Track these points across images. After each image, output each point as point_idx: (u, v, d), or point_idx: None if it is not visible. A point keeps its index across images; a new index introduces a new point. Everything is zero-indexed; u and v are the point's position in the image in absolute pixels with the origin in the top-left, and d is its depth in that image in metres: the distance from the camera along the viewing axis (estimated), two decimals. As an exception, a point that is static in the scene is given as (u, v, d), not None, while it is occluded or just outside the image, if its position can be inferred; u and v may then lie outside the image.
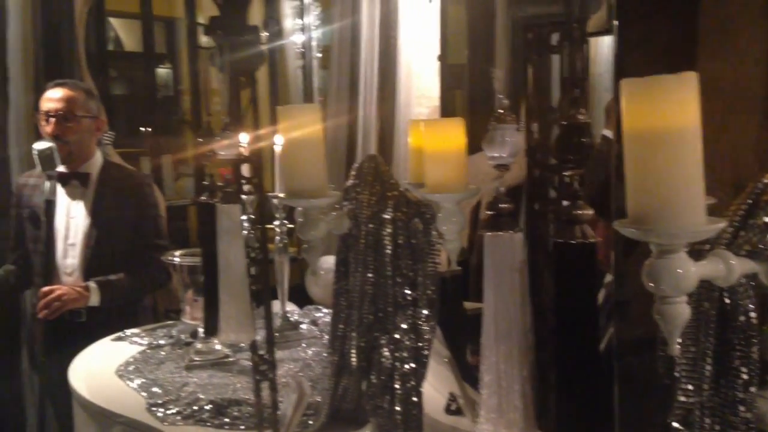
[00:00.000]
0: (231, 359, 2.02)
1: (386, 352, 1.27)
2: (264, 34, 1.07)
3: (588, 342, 0.79)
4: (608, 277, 1.55)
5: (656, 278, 0.73)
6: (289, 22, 4.21)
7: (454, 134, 1.20)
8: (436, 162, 1.21)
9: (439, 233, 1.25)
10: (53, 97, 2.47)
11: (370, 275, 1.29)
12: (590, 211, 0.85)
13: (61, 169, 2.45)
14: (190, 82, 3.89)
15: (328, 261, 2.72)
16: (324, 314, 2.44)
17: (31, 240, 2.52)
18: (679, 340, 0.75)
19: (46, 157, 2.27)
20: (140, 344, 2.21)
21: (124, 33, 5.71)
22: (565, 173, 0.87)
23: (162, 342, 2.21)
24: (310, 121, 1.19)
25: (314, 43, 4.29)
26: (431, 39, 4.07)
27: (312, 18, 4.09)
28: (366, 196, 1.30)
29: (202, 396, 1.72)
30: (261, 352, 1.18)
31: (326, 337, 2.20)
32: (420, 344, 1.27)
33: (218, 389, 1.79)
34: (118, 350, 2.17)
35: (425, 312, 1.26)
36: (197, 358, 2.00)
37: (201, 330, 2.04)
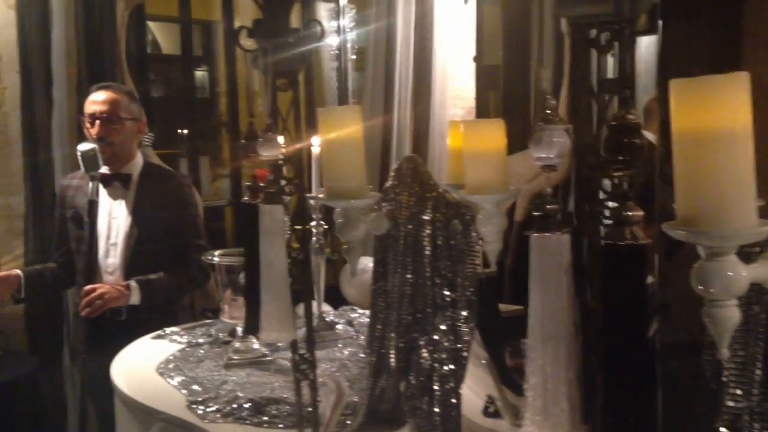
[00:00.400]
0: (268, 358, 2.04)
1: (425, 353, 1.27)
2: (305, 36, 1.08)
3: (637, 345, 0.78)
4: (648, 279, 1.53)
5: (706, 281, 0.72)
6: (324, 24, 4.23)
7: (495, 135, 1.20)
8: (476, 163, 1.20)
9: (479, 234, 1.24)
10: (97, 100, 2.52)
11: (408, 276, 1.29)
12: (640, 213, 0.84)
13: (103, 170, 2.51)
14: (227, 85, 3.93)
15: (363, 262, 2.72)
16: (359, 315, 2.45)
17: (74, 240, 2.57)
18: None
19: (89, 158, 2.32)
20: (179, 342, 2.24)
21: (162, 36, 5.81)
22: (614, 174, 0.87)
23: (201, 340, 2.24)
24: (351, 122, 1.20)
25: (349, 45, 4.30)
26: (466, 40, 4.07)
27: (347, 20, 4.11)
28: (405, 197, 1.30)
29: (240, 394, 1.74)
30: (301, 352, 1.19)
31: (362, 337, 2.22)
32: (459, 346, 1.26)
33: (256, 388, 1.81)
34: (158, 348, 2.20)
35: (464, 313, 1.26)
36: (236, 357, 2.02)
37: (239, 329, 2.07)
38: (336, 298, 2.57)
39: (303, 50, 1.10)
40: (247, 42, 1.10)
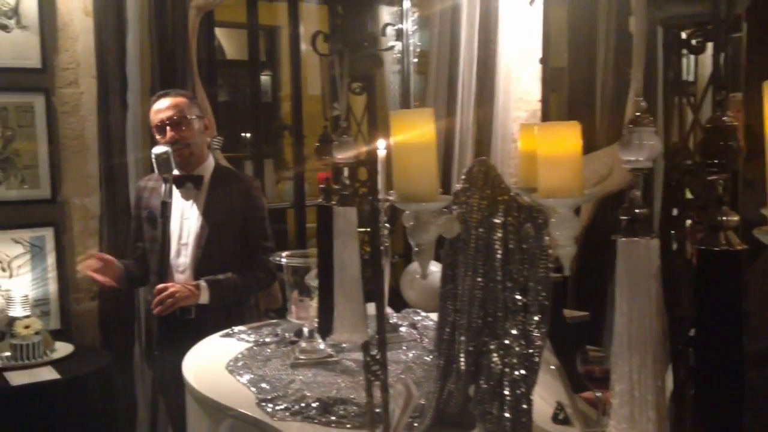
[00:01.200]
0: (334, 359, 2.06)
1: (495, 358, 1.27)
2: (381, 40, 1.09)
3: (730, 355, 0.76)
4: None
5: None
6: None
7: (570, 138, 1.18)
8: (551, 166, 1.19)
9: (552, 238, 1.23)
10: (162, 107, 2.61)
11: (479, 279, 1.28)
12: (736, 218, 0.82)
13: (176, 172, 2.59)
14: (292, 89, 3.99)
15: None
16: (422, 317, 2.46)
17: (148, 240, 2.66)
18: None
19: (163, 161, 2.39)
20: (247, 341, 2.28)
21: (226, 42, 5.95)
22: (710, 177, 0.84)
23: (268, 340, 2.28)
24: (424, 125, 1.20)
25: (411, 48, 4.30)
26: (531, 42, 4.02)
27: (410, 23, 4.12)
28: (476, 200, 1.30)
29: (308, 393, 1.77)
30: (372, 353, 1.19)
31: (426, 340, 2.22)
32: (530, 351, 1.25)
33: (323, 387, 1.83)
34: (226, 346, 2.25)
35: (536, 318, 1.25)
36: (302, 357, 2.05)
37: (305, 329, 2.10)
38: (396, 301, 2.57)
39: (378, 54, 1.11)
40: (321, 46, 1.12)
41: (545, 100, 3.69)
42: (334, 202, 1.14)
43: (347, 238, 1.11)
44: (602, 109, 4.10)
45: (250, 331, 2.38)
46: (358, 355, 2.12)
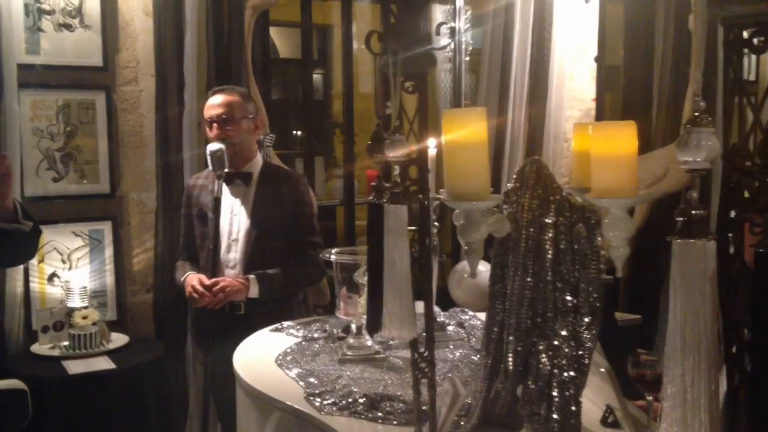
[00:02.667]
0: (381, 356, 2.08)
1: (544, 359, 1.26)
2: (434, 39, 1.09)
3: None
4: None
5: None
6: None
7: (626, 137, 1.16)
8: (605, 166, 1.17)
9: (604, 239, 1.21)
10: (214, 104, 2.66)
11: (529, 279, 1.28)
12: (797, 220, 0.79)
13: (226, 169, 2.64)
14: (343, 87, 4.02)
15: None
16: (470, 317, 2.45)
17: (200, 236, 2.72)
18: None
19: (217, 158, 2.44)
20: (296, 336, 2.32)
21: (279, 41, 6.03)
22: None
23: (316, 335, 2.31)
24: (476, 123, 1.20)
25: (463, 47, 4.28)
26: (586, 40, 3.96)
27: (462, 21, 4.10)
28: (527, 200, 1.29)
29: (355, 389, 1.78)
30: (421, 350, 1.20)
31: (474, 339, 2.21)
32: (580, 352, 1.24)
33: (370, 384, 1.85)
34: (276, 341, 2.29)
35: (587, 319, 1.23)
36: (350, 353, 2.07)
37: (353, 326, 2.12)
38: (443, 300, 2.57)
39: (432, 53, 1.12)
40: (375, 45, 1.12)
41: (600, 99, 3.63)
42: (385, 200, 1.15)
43: (398, 235, 1.12)
44: (659, 109, 4.02)
45: (299, 327, 2.41)
46: (405, 353, 2.14)
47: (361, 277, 2.12)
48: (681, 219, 0.92)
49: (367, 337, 2.11)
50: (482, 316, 2.42)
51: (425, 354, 1.18)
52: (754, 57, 4.30)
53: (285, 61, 6.14)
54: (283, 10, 4.28)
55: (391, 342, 2.18)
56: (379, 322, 1.17)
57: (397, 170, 1.17)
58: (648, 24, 4.01)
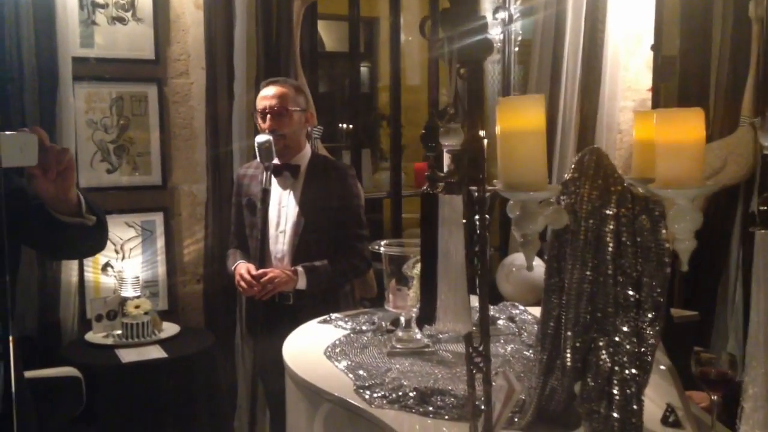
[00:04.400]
0: (430, 349, 2.05)
1: (604, 355, 1.21)
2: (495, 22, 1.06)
3: None
4: None
5: None
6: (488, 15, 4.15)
7: (693, 125, 1.11)
8: (671, 155, 1.12)
9: (669, 231, 1.16)
10: (267, 95, 2.66)
11: (588, 273, 1.23)
12: None
13: (275, 161, 2.65)
14: (391, 79, 3.99)
15: (520, 258, 2.68)
16: (521, 311, 2.40)
17: (248, 226, 2.73)
18: None
19: (265, 149, 2.45)
20: (344, 328, 2.31)
21: (325, 34, 6.04)
22: None
23: (364, 328, 2.29)
24: (534, 112, 1.16)
25: (513, 37, 4.20)
26: (640, 29, 3.85)
27: (512, 10, 4.03)
28: (586, 191, 1.24)
29: (405, 382, 1.76)
30: (476, 344, 1.17)
31: (525, 334, 2.17)
32: (643, 349, 1.19)
33: (420, 377, 1.82)
34: (324, 332, 2.28)
35: (650, 315, 1.19)
36: (399, 346, 2.05)
37: (403, 318, 2.10)
38: (490, 294, 2.52)
39: (489, 39, 1.08)
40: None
41: (656, 90, 3.52)
42: (439, 190, 1.12)
43: (453, 225, 1.09)
44: (716, 100, 3.88)
45: (347, 319, 2.40)
46: (455, 347, 2.11)
47: (410, 270, 2.10)
48: (764, 208, 0.87)
49: (417, 330, 2.09)
50: (533, 310, 2.38)
51: (480, 348, 1.15)
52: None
53: (330, 55, 6.14)
54: (329, 3, 4.28)
55: (441, 335, 2.16)
56: (432, 314, 1.15)
57: (449, 160, 1.14)
58: (706, 11, 3.87)
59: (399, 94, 3.98)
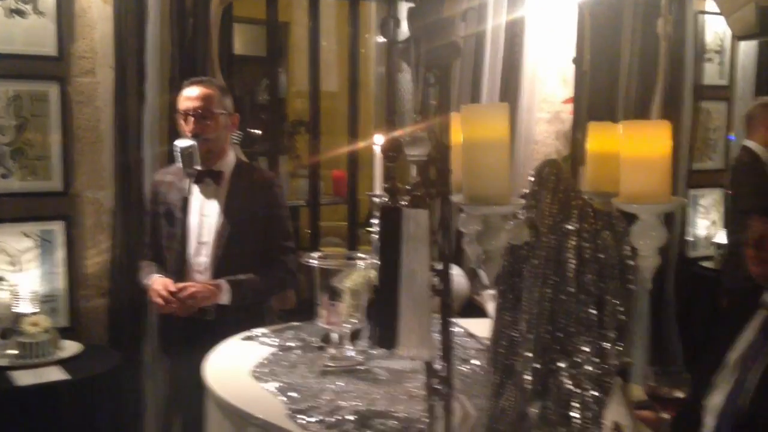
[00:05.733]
0: (364, 367, 1.97)
1: (565, 377, 1.16)
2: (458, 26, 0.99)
3: None
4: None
5: None
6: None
7: (660, 138, 1.08)
8: (636, 169, 1.09)
9: (633, 248, 1.13)
10: (191, 96, 2.49)
11: (548, 291, 1.18)
12: None
13: (197, 167, 2.49)
14: (310, 85, 3.88)
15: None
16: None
17: (166, 237, 2.54)
18: None
19: (188, 155, 2.29)
20: (270, 345, 2.19)
21: (236, 37, 5.85)
22: None
23: (292, 344, 2.18)
24: (498, 121, 1.10)
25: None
26: (558, 42, 3.93)
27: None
28: (547, 205, 1.20)
29: (342, 404, 1.67)
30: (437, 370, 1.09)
31: (459, 348, 2.11)
32: (605, 370, 1.15)
33: (357, 398, 1.74)
34: (249, 350, 2.15)
35: (612, 335, 1.15)
36: (332, 364, 1.96)
37: (335, 335, 2.00)
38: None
39: (457, 42, 1.01)
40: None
41: (579, 102, 3.59)
42: (404, 203, 1.04)
43: (418, 243, 1.01)
44: (625, 115, 4.01)
45: (272, 335, 2.28)
46: (389, 363, 2.03)
47: (341, 283, 2.01)
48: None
49: (350, 347, 2.00)
50: (462, 322, 2.34)
51: (442, 374, 1.07)
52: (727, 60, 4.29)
53: (240, 58, 5.96)
54: (240, 6, 4.12)
55: (373, 351, 2.08)
56: (392, 338, 1.06)
57: (414, 171, 1.06)
58: (615, 28, 4.00)
59: (318, 100, 3.87)
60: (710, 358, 1.95)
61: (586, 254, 1.15)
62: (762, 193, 3.61)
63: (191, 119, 2.45)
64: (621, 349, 1.15)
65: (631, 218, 1.29)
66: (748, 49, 4.57)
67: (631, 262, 1.13)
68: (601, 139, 1.28)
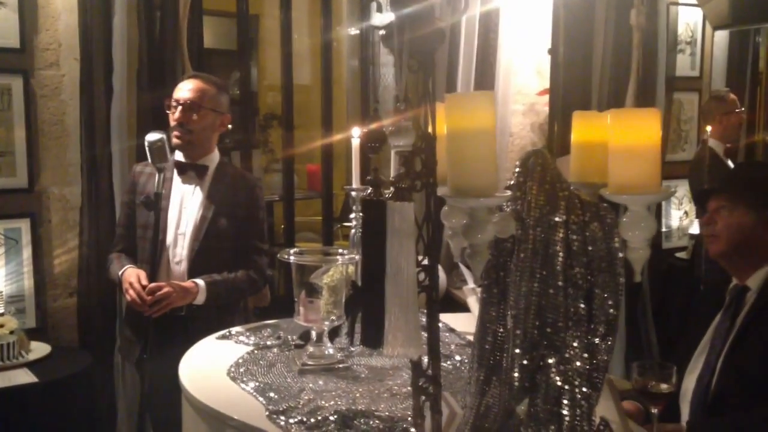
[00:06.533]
0: (344, 365, 1.92)
1: (554, 374, 1.13)
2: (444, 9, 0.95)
3: None
4: None
5: None
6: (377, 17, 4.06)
7: (649, 127, 1.05)
8: (626, 158, 1.06)
9: (622, 240, 1.10)
10: (185, 87, 2.48)
11: (536, 285, 1.15)
12: None
13: (180, 158, 2.47)
14: (283, 78, 3.81)
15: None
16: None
17: (142, 226, 2.48)
18: None
19: (157, 149, 2.21)
20: (246, 344, 2.13)
21: (208, 30, 5.75)
22: None
23: (269, 343, 2.12)
24: (483, 109, 1.06)
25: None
26: (533, 33, 3.91)
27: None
28: (534, 196, 1.16)
29: (323, 403, 1.62)
30: (425, 369, 1.05)
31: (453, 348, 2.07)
32: (594, 366, 1.12)
33: (337, 397, 1.69)
34: (224, 349, 2.09)
35: (602, 329, 1.12)
36: (310, 362, 1.91)
37: (314, 333, 1.95)
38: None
39: (440, 28, 0.97)
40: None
41: (555, 93, 3.57)
42: (388, 196, 1.00)
43: (404, 237, 0.96)
44: (599, 106, 4.00)
45: (248, 333, 2.22)
46: (368, 360, 1.99)
47: (320, 279, 1.96)
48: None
49: (329, 344, 1.95)
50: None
51: (429, 372, 1.03)
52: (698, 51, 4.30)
53: (208, 51, 5.86)
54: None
55: (352, 348, 2.03)
56: (378, 337, 1.02)
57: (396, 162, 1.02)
58: (587, 19, 3.98)
59: (291, 94, 3.80)
60: (685, 348, 1.96)
61: (575, 246, 1.12)
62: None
63: (179, 108, 2.41)
64: (611, 344, 1.12)
65: (618, 209, 1.27)
66: (719, 40, 4.60)
67: (621, 255, 1.10)
68: (586, 128, 1.25)
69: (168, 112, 2.48)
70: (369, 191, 1.06)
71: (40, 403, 2.59)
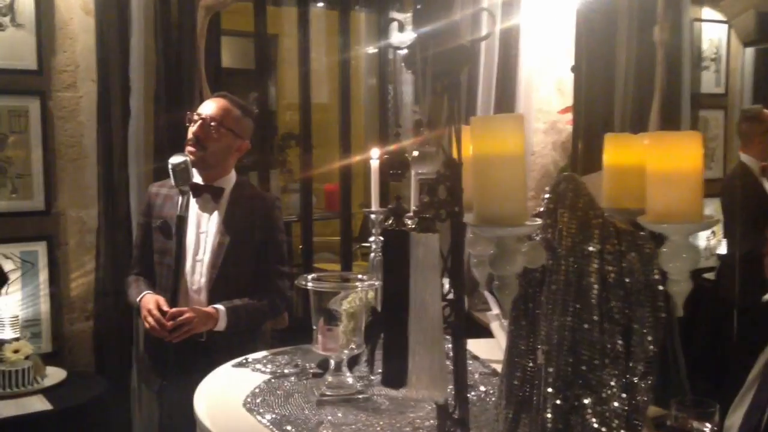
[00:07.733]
0: (364, 395, 1.85)
1: (590, 415, 1.06)
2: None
3: None
4: None
5: None
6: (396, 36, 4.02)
7: (691, 150, 0.98)
8: (666, 184, 0.99)
9: (662, 271, 1.03)
10: (208, 104, 2.45)
11: (569, 319, 1.07)
12: None
13: (196, 179, 2.39)
14: (300, 97, 3.77)
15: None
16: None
17: (159, 252, 2.43)
18: None
19: (181, 171, 2.18)
20: (263, 372, 2.06)
21: (226, 50, 5.76)
22: None
23: (286, 371, 2.06)
24: (513, 133, 1.00)
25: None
26: (553, 51, 3.85)
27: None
28: (565, 224, 1.09)
29: (342, 439, 1.56)
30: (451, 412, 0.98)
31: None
32: (633, 407, 1.04)
33: (357, 431, 1.62)
34: (241, 378, 2.03)
35: (641, 368, 1.04)
36: (329, 393, 1.84)
37: (333, 362, 1.89)
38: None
39: (465, 45, 0.91)
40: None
41: (579, 111, 3.50)
42: (412, 226, 0.94)
43: (428, 271, 0.90)
44: (622, 124, 3.92)
45: (265, 361, 2.16)
46: (390, 391, 1.91)
47: (338, 305, 1.90)
48: None
49: (348, 373, 1.89)
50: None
51: (457, 416, 0.96)
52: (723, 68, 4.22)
53: (228, 71, 5.87)
54: (229, 18, 4.03)
55: (373, 377, 1.96)
56: (401, 377, 0.95)
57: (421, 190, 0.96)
58: (609, 36, 3.92)
59: (309, 113, 3.77)
60: (732, 380, 1.87)
61: (610, 278, 1.05)
62: (753, 206, 3.60)
63: (199, 123, 2.37)
64: (650, 383, 1.04)
65: (657, 238, 1.19)
66: (745, 56, 4.51)
67: (661, 287, 1.03)
68: (619, 151, 1.18)
69: (187, 125, 2.42)
70: (390, 221, 1.00)
71: (53, 431, 2.54)
